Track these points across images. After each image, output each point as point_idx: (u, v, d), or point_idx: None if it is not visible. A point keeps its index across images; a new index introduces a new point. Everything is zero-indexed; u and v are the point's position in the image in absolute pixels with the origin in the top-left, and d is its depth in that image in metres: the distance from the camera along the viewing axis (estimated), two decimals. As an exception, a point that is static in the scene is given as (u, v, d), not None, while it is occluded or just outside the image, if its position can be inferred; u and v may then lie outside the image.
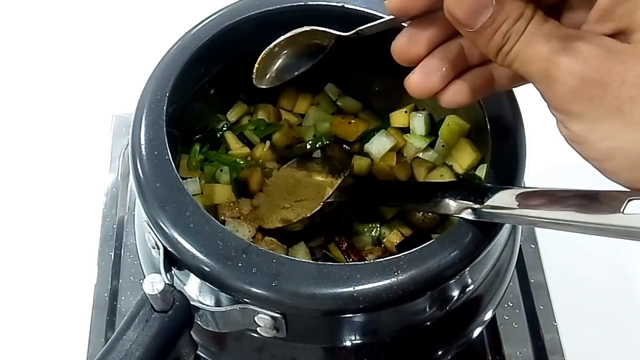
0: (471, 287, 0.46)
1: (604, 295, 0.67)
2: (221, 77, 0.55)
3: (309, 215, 0.53)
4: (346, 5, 0.50)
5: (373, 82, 0.60)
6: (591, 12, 0.32)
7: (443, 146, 0.56)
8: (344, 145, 0.59)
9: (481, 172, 0.52)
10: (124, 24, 0.88)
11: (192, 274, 0.41)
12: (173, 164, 0.43)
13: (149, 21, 0.87)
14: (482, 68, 0.39)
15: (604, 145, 0.32)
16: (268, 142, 0.59)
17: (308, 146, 0.58)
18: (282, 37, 0.42)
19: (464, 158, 0.54)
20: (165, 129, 0.44)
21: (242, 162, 0.57)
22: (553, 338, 0.62)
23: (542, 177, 0.68)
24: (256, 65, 0.42)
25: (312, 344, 0.45)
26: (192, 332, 0.41)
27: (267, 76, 0.43)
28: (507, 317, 0.63)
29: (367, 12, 0.49)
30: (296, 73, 0.44)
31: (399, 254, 0.40)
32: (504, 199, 0.39)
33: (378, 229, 0.55)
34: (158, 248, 0.41)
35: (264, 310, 0.39)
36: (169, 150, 0.43)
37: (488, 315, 0.51)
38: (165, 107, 0.45)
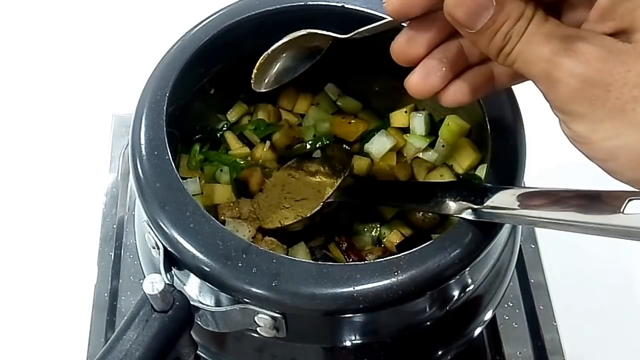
0: (471, 287, 0.46)
1: (604, 295, 0.67)
2: (221, 77, 0.55)
3: (309, 215, 0.53)
4: (346, 5, 0.50)
5: (373, 82, 0.60)
6: (591, 11, 0.32)
7: (443, 146, 0.56)
8: (344, 145, 0.59)
9: (481, 172, 0.52)
10: (124, 24, 0.88)
11: (192, 274, 0.41)
12: (173, 164, 0.43)
13: (149, 21, 0.87)
14: (482, 66, 0.39)
15: (608, 145, 0.32)
16: (268, 142, 0.59)
17: (308, 146, 0.58)
18: (280, 42, 0.42)
19: (464, 158, 0.54)
20: (165, 129, 0.44)
21: (242, 162, 0.57)
22: (553, 338, 0.62)
23: (542, 177, 0.69)
24: (254, 71, 0.43)
25: (312, 344, 0.45)
26: (192, 332, 0.41)
27: (266, 80, 0.44)
28: (507, 317, 0.63)
29: (367, 12, 0.49)
30: (294, 75, 0.44)
31: (399, 254, 0.40)
32: (504, 199, 0.39)
33: (378, 229, 0.55)
34: (158, 248, 0.41)
35: (264, 310, 0.39)
36: (169, 150, 0.43)
37: (488, 315, 0.51)
38: (165, 107, 0.45)
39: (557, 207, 0.36)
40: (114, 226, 0.68)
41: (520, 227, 0.54)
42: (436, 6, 0.35)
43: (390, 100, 0.59)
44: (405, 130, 0.59)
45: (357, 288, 0.38)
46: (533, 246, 0.67)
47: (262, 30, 0.49)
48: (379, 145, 0.57)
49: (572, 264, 0.68)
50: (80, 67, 0.83)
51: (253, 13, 0.50)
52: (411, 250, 0.40)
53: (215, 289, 0.40)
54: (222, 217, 0.53)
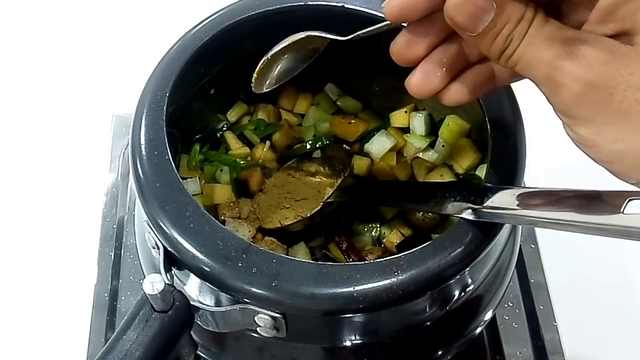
0: (471, 287, 0.46)
1: (604, 295, 0.67)
2: (221, 77, 0.55)
3: (309, 215, 0.53)
4: (346, 6, 0.50)
5: (373, 82, 0.60)
6: (592, 12, 0.32)
7: (443, 146, 0.56)
8: (344, 145, 0.59)
9: (481, 172, 0.52)
10: (124, 24, 0.88)
11: (192, 274, 0.41)
12: (173, 164, 0.43)
13: (149, 21, 0.87)
14: (483, 65, 0.39)
15: (613, 148, 0.32)
16: (268, 142, 0.59)
17: (308, 146, 0.58)
18: (279, 46, 0.42)
19: (464, 158, 0.54)
20: (165, 129, 0.44)
21: (242, 162, 0.57)
22: (553, 338, 0.62)
23: (542, 177, 0.69)
24: (254, 76, 0.43)
25: (312, 344, 0.45)
26: (192, 332, 0.41)
27: (267, 82, 0.44)
28: (507, 317, 0.63)
29: (367, 12, 0.49)
30: (294, 74, 0.44)
31: (399, 254, 0.40)
32: (504, 199, 0.39)
33: (378, 229, 0.55)
34: (158, 248, 0.41)
35: (264, 310, 0.39)
36: (169, 150, 0.43)
37: (488, 315, 0.51)
38: (165, 107, 0.45)
39: (557, 207, 0.36)
40: (114, 226, 0.68)
41: (520, 227, 0.54)
42: (436, 8, 0.35)
43: (390, 100, 0.59)
44: (405, 130, 0.59)
45: (357, 288, 0.38)
46: (533, 246, 0.67)
47: (262, 30, 0.49)
48: (379, 145, 0.57)
49: (572, 264, 0.68)
50: (80, 67, 0.83)
51: (253, 13, 0.50)
52: (411, 250, 0.40)
53: (215, 289, 0.40)
54: (222, 217, 0.53)
